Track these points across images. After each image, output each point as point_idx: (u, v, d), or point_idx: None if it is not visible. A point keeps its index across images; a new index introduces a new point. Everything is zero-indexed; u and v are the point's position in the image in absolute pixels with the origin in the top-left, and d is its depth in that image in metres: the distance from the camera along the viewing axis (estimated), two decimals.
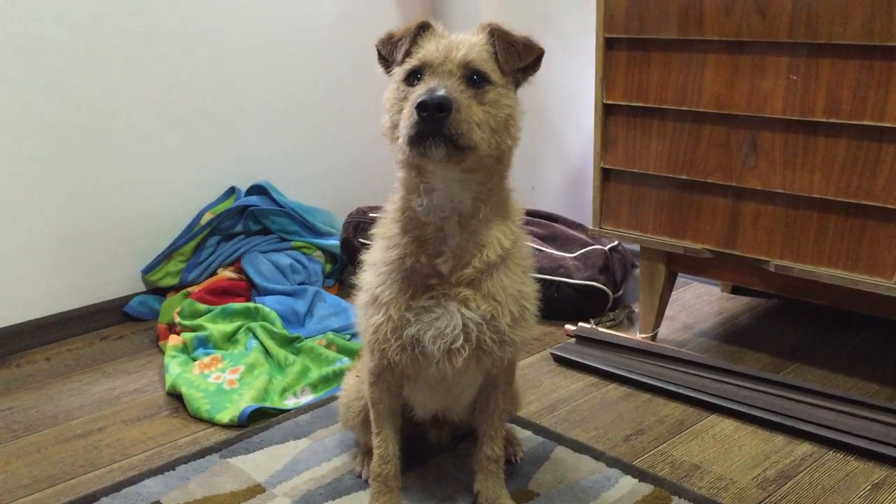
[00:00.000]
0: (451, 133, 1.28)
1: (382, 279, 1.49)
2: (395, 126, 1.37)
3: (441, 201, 1.41)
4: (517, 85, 1.45)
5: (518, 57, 1.41)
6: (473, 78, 1.36)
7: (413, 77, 1.38)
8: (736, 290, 2.83)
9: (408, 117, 1.30)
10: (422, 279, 1.45)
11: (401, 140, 1.33)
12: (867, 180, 1.89)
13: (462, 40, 1.40)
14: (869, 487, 1.74)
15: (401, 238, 1.47)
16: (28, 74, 2.42)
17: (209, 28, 2.78)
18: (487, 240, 1.45)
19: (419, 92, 1.30)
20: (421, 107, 1.27)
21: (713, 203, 2.18)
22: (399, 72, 1.41)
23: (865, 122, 1.86)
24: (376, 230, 1.55)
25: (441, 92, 1.27)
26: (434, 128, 1.28)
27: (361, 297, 1.54)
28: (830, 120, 1.91)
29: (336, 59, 3.13)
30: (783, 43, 1.94)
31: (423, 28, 1.44)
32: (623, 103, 2.26)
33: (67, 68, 2.49)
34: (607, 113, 2.31)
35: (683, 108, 2.16)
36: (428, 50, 1.39)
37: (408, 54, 1.40)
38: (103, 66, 2.56)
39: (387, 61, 1.46)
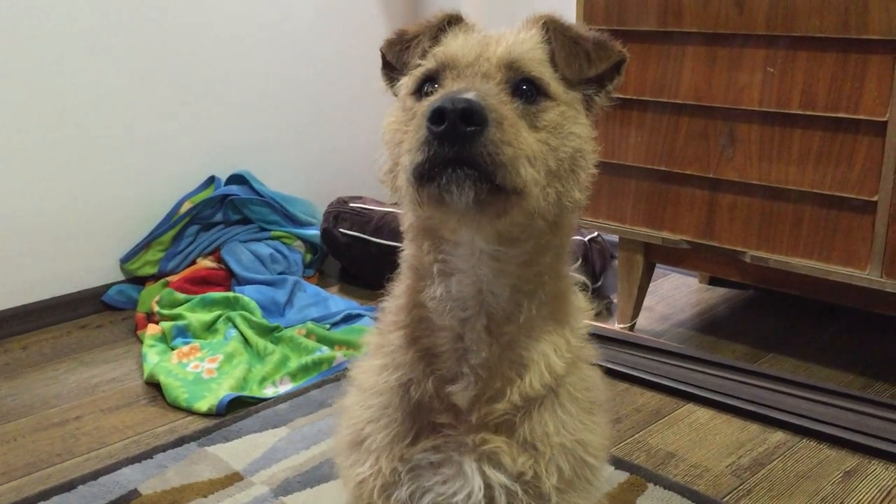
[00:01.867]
0: (485, 161, 0.82)
1: (374, 414, 1.05)
2: (397, 166, 0.93)
3: (463, 291, 0.96)
4: (589, 107, 1.00)
5: (587, 60, 0.97)
6: (523, 88, 0.92)
7: (427, 86, 0.96)
8: (713, 282, 2.86)
9: (414, 136, 0.85)
10: (427, 414, 1.01)
11: (402, 175, 0.88)
12: (842, 172, 1.92)
13: (504, 34, 0.98)
14: (840, 475, 1.77)
15: (404, 353, 1.02)
16: (4, 63, 2.40)
17: (189, 17, 2.76)
18: (531, 357, 0.99)
19: (433, 99, 0.85)
20: (435, 116, 0.81)
21: (691, 194, 2.19)
22: (407, 81, 0.98)
23: (840, 115, 1.88)
24: (371, 337, 1.11)
25: (469, 94, 0.82)
26: (457, 151, 0.82)
27: (343, 433, 1.10)
28: (806, 112, 1.93)
29: (317, 48, 3.12)
30: (760, 35, 1.96)
31: (450, 22, 1.02)
32: None
33: (46, 57, 2.47)
34: None
35: (662, 100, 2.17)
36: (452, 46, 0.96)
37: (423, 57, 0.98)
38: (82, 55, 2.54)
39: (393, 71, 1.03)
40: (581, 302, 1.08)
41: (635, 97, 2.21)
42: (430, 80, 0.95)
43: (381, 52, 1.04)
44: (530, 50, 0.96)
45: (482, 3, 3.19)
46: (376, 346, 1.08)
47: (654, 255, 2.41)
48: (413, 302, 1.02)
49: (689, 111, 2.13)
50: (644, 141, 2.24)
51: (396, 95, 1.02)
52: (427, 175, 0.84)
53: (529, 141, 0.87)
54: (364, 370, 1.09)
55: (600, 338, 2.35)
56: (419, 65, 0.97)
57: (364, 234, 2.77)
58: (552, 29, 0.99)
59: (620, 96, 2.23)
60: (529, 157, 0.86)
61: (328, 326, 2.45)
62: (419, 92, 0.96)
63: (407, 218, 0.99)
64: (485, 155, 0.82)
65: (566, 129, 0.93)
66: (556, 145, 0.91)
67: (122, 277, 2.76)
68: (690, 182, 2.18)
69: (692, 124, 2.14)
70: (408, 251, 1.02)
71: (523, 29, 1.01)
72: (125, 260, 2.73)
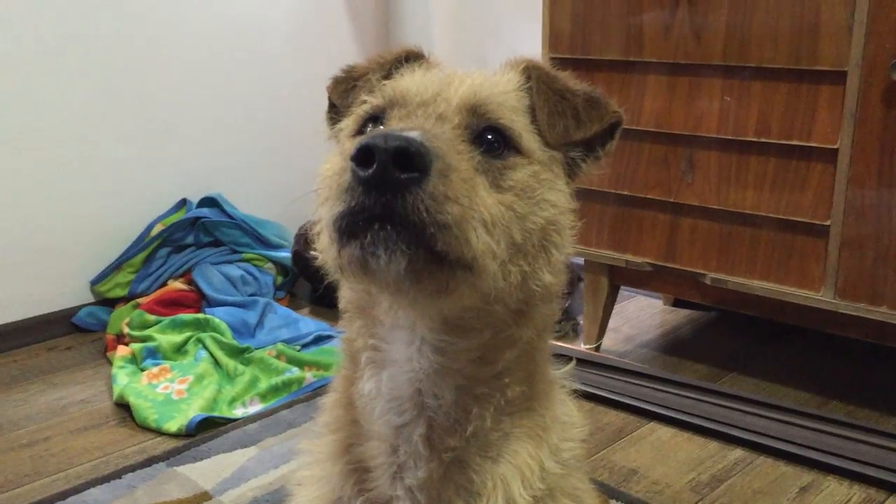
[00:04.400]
0: (421, 219, 0.66)
1: None
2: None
3: (397, 389, 0.79)
4: (572, 173, 0.87)
5: (575, 120, 0.84)
6: (487, 138, 0.77)
7: (371, 128, 0.81)
8: (677, 303, 2.92)
9: (336, 181, 0.69)
10: None
11: (324, 231, 0.73)
12: (796, 197, 1.99)
13: (471, 74, 0.83)
14: (797, 490, 1.82)
15: (332, 465, 0.86)
16: None
17: (163, 40, 2.80)
18: (485, 483, 0.80)
19: (364, 136, 0.68)
20: (362, 157, 0.66)
21: (653, 218, 2.26)
22: (348, 122, 0.85)
23: (794, 142, 1.96)
24: (305, 442, 0.93)
25: (411, 133, 0.66)
26: (385, 204, 0.66)
27: None
28: (761, 139, 2.00)
29: (287, 73, 3.16)
30: (717, 65, 2.03)
31: (409, 59, 0.89)
32: None
33: (19, 77, 2.49)
34: None
35: (625, 127, 2.23)
36: (405, 81, 0.82)
37: (372, 94, 0.84)
38: (56, 76, 2.56)
39: (339, 114, 0.89)
40: (570, 414, 0.87)
41: None
42: (374, 121, 0.80)
43: (328, 92, 0.89)
44: (502, 94, 0.80)
45: (452, 40, 3.25)
46: (309, 453, 0.90)
47: (619, 278, 2.47)
48: (347, 399, 0.84)
49: (650, 138, 2.20)
50: (607, 166, 2.30)
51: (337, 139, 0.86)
52: (348, 232, 0.68)
53: (488, 202, 0.71)
54: (299, 482, 0.91)
55: (565, 358, 2.40)
56: (364, 102, 0.82)
57: None
58: (535, 77, 0.83)
59: None
60: (486, 221, 0.69)
61: (298, 347, 2.47)
62: (361, 134, 0.79)
63: (343, 291, 0.83)
64: (421, 211, 0.65)
65: (538, 195, 0.77)
66: (525, 213, 0.75)
67: (92, 299, 2.76)
68: (652, 206, 2.25)
69: (653, 150, 2.20)
70: (345, 333, 0.85)
71: (500, 72, 0.86)
72: (95, 282, 2.73)
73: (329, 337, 2.54)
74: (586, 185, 2.39)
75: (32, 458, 1.96)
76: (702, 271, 2.18)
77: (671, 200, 2.19)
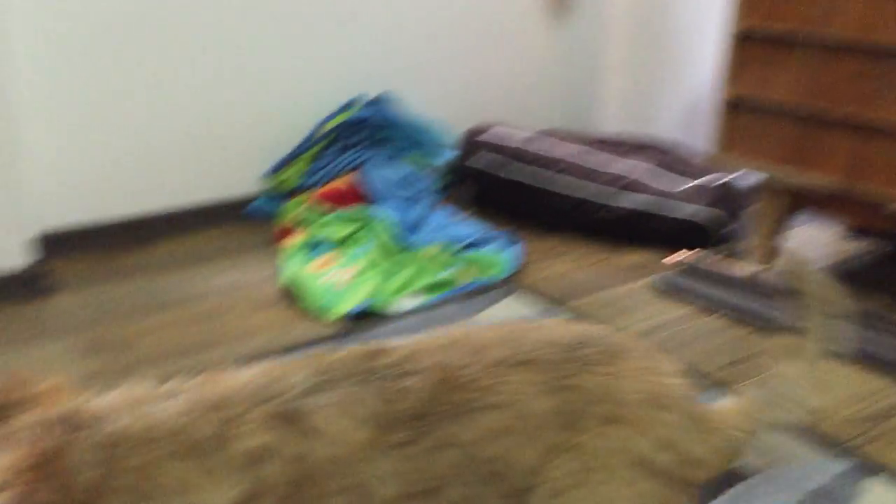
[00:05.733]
0: None
1: None
2: None
3: None
4: None
5: None
6: None
7: None
8: (859, 232, 2.73)
9: None
10: None
11: None
12: None
13: None
14: None
15: None
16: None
17: None
18: None
19: None
20: None
21: (841, 136, 2.10)
22: None
23: None
24: None
25: None
26: None
27: None
28: None
29: None
30: None
31: None
32: (758, 28, 2.19)
33: None
34: (739, 38, 2.24)
35: (822, 33, 2.06)
36: None
37: None
38: None
39: None
40: None
41: (794, 29, 2.11)
42: None
43: None
44: None
45: None
46: None
47: (797, 199, 2.32)
48: None
49: (845, 49, 2.02)
50: (797, 77, 2.14)
51: None
52: None
53: None
54: None
55: (728, 281, 2.32)
56: None
57: (498, 161, 2.80)
58: None
59: (778, 29, 2.15)
60: None
61: (459, 248, 2.52)
62: None
63: None
64: None
65: None
66: None
67: (266, 190, 2.91)
68: (843, 124, 2.08)
69: (852, 62, 2.03)
70: None
71: None
72: (269, 174, 2.87)
73: (489, 240, 2.57)
74: (770, 97, 2.23)
75: (211, 330, 2.12)
76: (885, 199, 2.02)
77: (868, 117, 2.02)
